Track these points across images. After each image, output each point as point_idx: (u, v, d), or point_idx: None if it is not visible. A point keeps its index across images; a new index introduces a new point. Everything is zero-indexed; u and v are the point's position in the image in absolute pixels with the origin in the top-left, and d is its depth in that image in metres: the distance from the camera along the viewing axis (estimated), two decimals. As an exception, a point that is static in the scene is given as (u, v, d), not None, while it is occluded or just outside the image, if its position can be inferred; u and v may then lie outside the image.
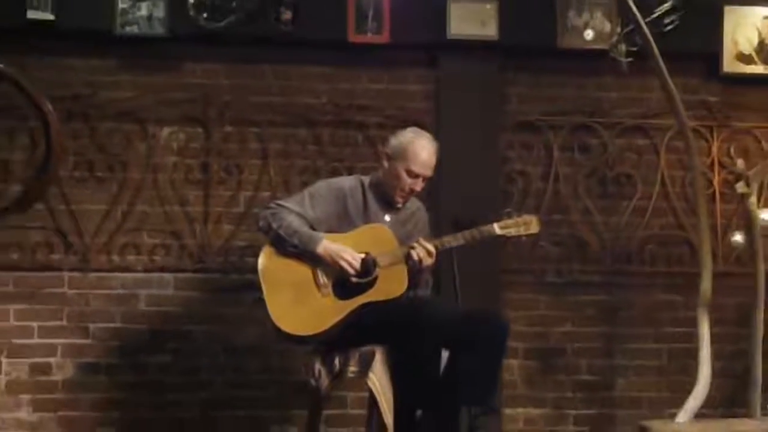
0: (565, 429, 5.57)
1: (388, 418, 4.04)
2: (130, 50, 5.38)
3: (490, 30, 5.46)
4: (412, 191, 4.43)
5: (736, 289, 5.41)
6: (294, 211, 4.31)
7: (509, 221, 4.45)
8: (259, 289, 4.24)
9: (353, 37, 5.39)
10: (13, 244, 5.26)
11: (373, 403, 4.14)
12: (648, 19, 4.96)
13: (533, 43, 5.56)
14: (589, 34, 5.52)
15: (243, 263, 5.32)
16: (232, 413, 5.33)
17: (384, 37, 5.40)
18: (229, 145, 5.44)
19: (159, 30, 5.26)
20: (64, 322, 5.28)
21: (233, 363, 5.36)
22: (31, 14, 5.14)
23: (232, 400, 5.34)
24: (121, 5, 5.22)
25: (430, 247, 4.26)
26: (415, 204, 4.60)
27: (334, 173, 5.31)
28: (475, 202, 5.19)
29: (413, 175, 4.36)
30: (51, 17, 5.16)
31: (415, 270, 4.30)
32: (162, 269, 5.36)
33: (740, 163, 4.70)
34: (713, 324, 4.64)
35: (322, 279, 4.25)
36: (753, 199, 4.55)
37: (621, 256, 5.65)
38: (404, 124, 4.95)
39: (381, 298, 4.22)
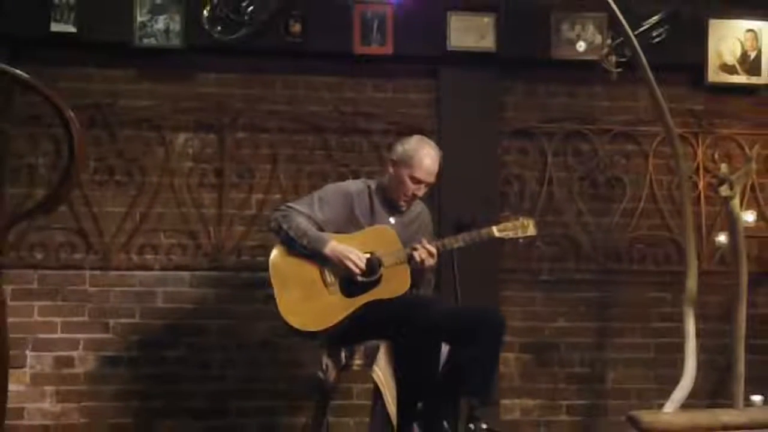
0: (558, 419, 5.61)
1: (392, 408, 4.11)
2: (148, 61, 5.42)
3: (488, 42, 5.51)
4: (414, 196, 4.48)
5: (720, 286, 5.45)
6: (303, 213, 4.35)
7: (507, 224, 4.51)
8: (269, 286, 4.27)
9: (358, 49, 5.43)
10: (37, 244, 5.30)
11: (377, 394, 4.18)
12: (637, 32, 4.99)
13: (529, 55, 5.61)
14: (581, 45, 5.57)
15: (255, 262, 5.36)
16: (243, 404, 5.37)
17: (388, 49, 5.44)
18: (241, 150, 5.49)
19: (175, 42, 5.31)
20: (86, 318, 5.32)
21: (245, 356, 5.39)
22: (55, 27, 5.21)
23: (243, 392, 5.37)
24: (139, 19, 5.27)
25: (432, 249, 4.31)
26: (419, 207, 4.63)
27: (341, 177, 5.32)
28: (474, 204, 5.17)
29: (416, 181, 4.42)
30: (74, 30, 5.22)
31: (417, 270, 4.35)
32: (178, 268, 5.40)
33: (724, 167, 4.67)
34: (698, 320, 4.62)
35: (330, 277, 4.30)
36: (736, 202, 4.52)
37: (611, 255, 5.70)
38: (407, 131, 5.00)
39: (385, 296, 4.27)
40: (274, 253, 4.35)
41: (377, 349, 4.21)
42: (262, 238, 5.35)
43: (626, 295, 5.72)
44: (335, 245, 4.31)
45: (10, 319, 3.66)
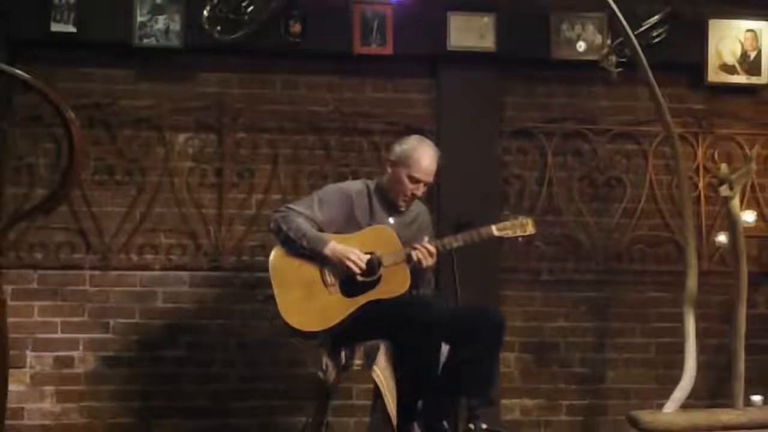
0: (558, 419, 5.61)
1: (392, 407, 4.11)
2: (148, 61, 5.42)
3: (487, 42, 5.51)
4: (413, 196, 4.49)
5: (720, 286, 5.48)
6: (303, 214, 4.36)
7: (506, 223, 4.51)
8: (269, 287, 4.29)
9: (358, 49, 5.43)
10: (37, 244, 5.30)
11: (377, 393, 4.18)
12: (637, 32, 5.04)
13: (528, 55, 5.62)
14: (581, 46, 5.57)
15: (254, 262, 5.36)
16: (243, 404, 5.36)
17: (387, 49, 5.44)
18: (241, 150, 5.48)
19: (175, 42, 5.31)
20: (86, 318, 5.32)
21: (245, 356, 5.39)
22: (55, 27, 5.22)
23: (243, 392, 5.37)
24: (139, 19, 5.27)
25: (431, 248, 4.32)
26: (418, 207, 4.65)
27: (341, 177, 5.32)
28: (474, 204, 5.24)
29: (415, 181, 4.43)
30: (73, 30, 5.23)
31: (416, 270, 4.35)
32: (178, 268, 5.40)
33: (723, 167, 4.65)
34: (698, 320, 4.67)
35: (329, 278, 4.31)
36: (735, 202, 4.53)
37: (611, 255, 5.69)
38: (406, 131, 5.02)
39: (385, 296, 4.28)
40: (274, 254, 4.36)
41: (377, 349, 4.22)
42: (262, 238, 5.35)
43: (626, 295, 5.72)
44: (335, 245, 4.32)
45: (10, 319, 3.68)
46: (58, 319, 5.34)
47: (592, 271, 5.70)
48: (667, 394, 4.55)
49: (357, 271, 4.29)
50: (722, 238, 5.34)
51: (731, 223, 4.58)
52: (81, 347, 5.34)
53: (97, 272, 5.37)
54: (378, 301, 4.29)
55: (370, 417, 4.57)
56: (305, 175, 5.53)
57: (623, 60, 5.20)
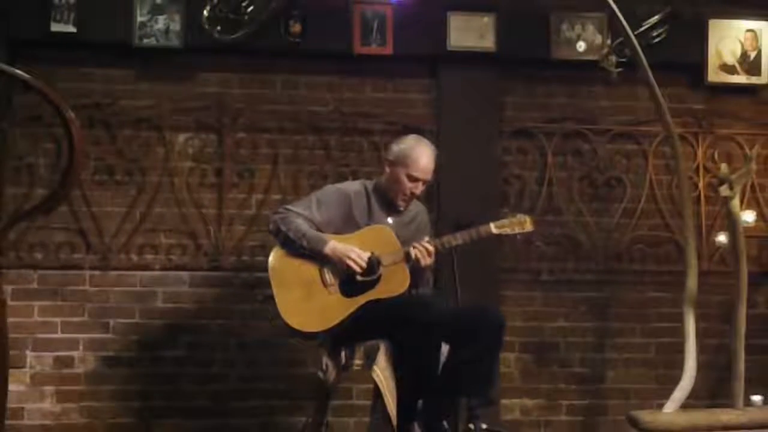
0: (558, 419, 5.61)
1: (392, 407, 4.11)
2: (148, 61, 5.41)
3: (487, 42, 5.51)
4: (413, 195, 4.49)
5: (720, 286, 5.48)
6: (302, 215, 4.36)
7: (505, 221, 4.51)
8: (269, 287, 4.29)
9: (358, 49, 5.43)
10: (37, 244, 5.30)
11: (377, 393, 4.18)
12: (637, 32, 5.04)
13: (528, 55, 5.62)
14: (581, 45, 5.57)
15: (254, 262, 5.36)
16: (243, 404, 5.36)
17: (387, 49, 5.44)
18: (241, 150, 5.48)
19: (175, 42, 5.31)
20: (86, 318, 5.32)
21: (245, 356, 5.39)
22: (55, 27, 5.22)
23: (243, 392, 5.37)
24: (139, 19, 5.27)
25: (430, 247, 4.32)
26: (417, 207, 4.65)
27: (341, 177, 5.32)
28: (474, 204, 5.23)
29: (413, 180, 4.43)
30: (73, 30, 5.23)
31: (416, 269, 4.35)
32: (178, 268, 5.40)
33: (724, 167, 4.65)
34: (698, 320, 4.67)
35: (329, 278, 4.31)
36: (735, 202, 4.54)
37: (611, 255, 5.69)
38: (406, 131, 4.98)
39: (384, 295, 4.28)
40: (273, 256, 4.36)
41: (377, 349, 4.22)
42: (262, 238, 5.34)
43: (626, 295, 5.72)
44: (335, 244, 4.32)
45: (10, 319, 3.68)
46: (58, 319, 5.33)
47: (592, 271, 5.70)
48: (667, 394, 4.54)
49: (357, 269, 4.29)
50: (722, 238, 5.32)
51: (731, 223, 4.57)
52: (81, 347, 5.34)
53: (97, 272, 5.37)
54: (378, 301, 4.29)
55: (370, 417, 4.56)
56: (305, 175, 5.52)
57: (623, 60, 5.20)
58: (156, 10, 5.32)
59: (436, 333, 4.19)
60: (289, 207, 4.46)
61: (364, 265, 4.30)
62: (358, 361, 4.33)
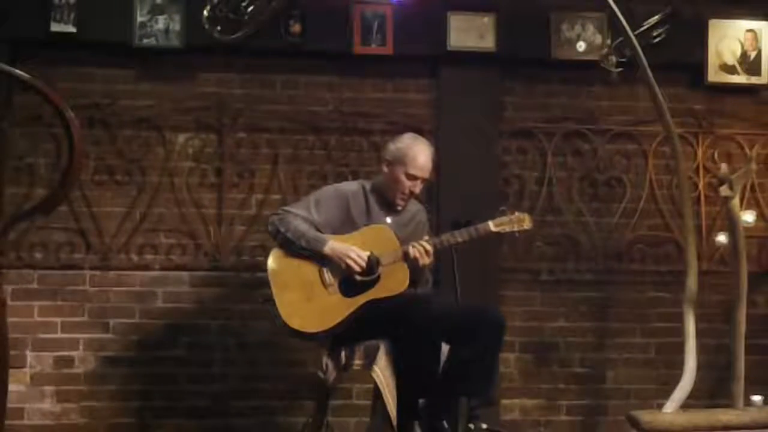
0: (558, 419, 5.61)
1: (392, 407, 4.13)
2: (148, 61, 5.41)
3: (487, 42, 5.50)
4: (411, 193, 4.50)
5: (719, 286, 5.52)
6: (300, 216, 4.37)
7: (503, 219, 4.50)
8: (269, 287, 4.29)
9: (358, 49, 5.42)
10: (37, 244, 5.30)
11: (377, 393, 4.21)
12: (637, 32, 5.03)
13: (528, 55, 5.61)
14: (581, 46, 5.56)
15: (254, 262, 5.35)
16: (243, 404, 5.37)
17: (387, 49, 5.43)
18: (241, 150, 5.48)
19: (175, 42, 5.31)
20: (86, 318, 5.32)
21: (245, 356, 5.39)
22: (55, 27, 5.21)
23: (243, 392, 5.38)
24: (139, 19, 5.27)
25: (428, 246, 4.33)
26: (415, 206, 4.67)
27: (341, 177, 5.34)
28: (473, 204, 5.18)
29: (412, 178, 4.44)
30: (73, 30, 5.22)
31: (416, 269, 4.35)
32: (178, 268, 5.40)
33: (723, 167, 4.70)
34: (698, 320, 4.68)
35: (329, 278, 4.32)
36: (735, 202, 4.56)
37: (611, 255, 5.69)
38: (406, 131, 4.88)
39: (384, 295, 4.28)
40: (272, 257, 4.37)
41: (377, 349, 4.23)
42: (262, 238, 5.32)
43: (626, 295, 5.72)
44: (334, 244, 4.33)
45: (10, 319, 3.69)
46: (58, 319, 5.34)
47: (591, 271, 5.70)
48: (667, 394, 4.56)
49: (357, 269, 4.30)
50: (722, 238, 5.32)
51: (731, 223, 4.59)
52: (81, 347, 5.34)
53: (97, 272, 5.37)
54: (378, 301, 4.30)
55: (370, 417, 4.59)
56: (305, 175, 5.52)
57: (623, 60, 5.24)
58: (156, 10, 5.31)
59: (436, 333, 4.21)
60: (287, 208, 4.47)
61: (363, 264, 4.31)
62: (358, 361, 4.32)
